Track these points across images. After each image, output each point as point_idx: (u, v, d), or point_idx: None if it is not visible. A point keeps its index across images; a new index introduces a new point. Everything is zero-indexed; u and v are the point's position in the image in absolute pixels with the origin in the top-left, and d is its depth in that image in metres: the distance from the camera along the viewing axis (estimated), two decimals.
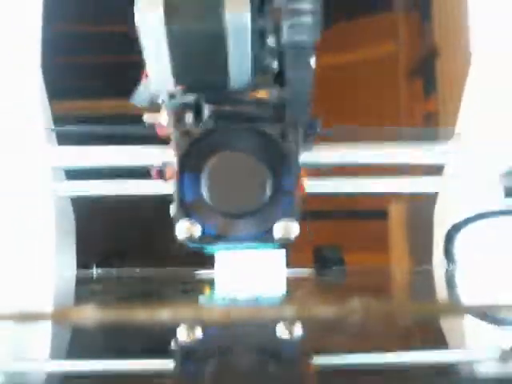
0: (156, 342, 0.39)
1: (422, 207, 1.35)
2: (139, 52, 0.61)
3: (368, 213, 1.48)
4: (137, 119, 0.70)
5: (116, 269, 0.96)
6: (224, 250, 0.73)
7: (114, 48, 1.33)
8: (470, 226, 0.79)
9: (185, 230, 0.61)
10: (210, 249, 0.72)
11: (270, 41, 0.60)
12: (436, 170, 0.90)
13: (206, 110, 0.63)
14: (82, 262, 0.94)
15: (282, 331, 0.40)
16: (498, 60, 0.90)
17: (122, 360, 0.36)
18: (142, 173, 0.75)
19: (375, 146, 0.72)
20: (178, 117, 0.63)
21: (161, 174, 0.67)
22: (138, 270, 0.91)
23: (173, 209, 0.66)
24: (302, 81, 0.60)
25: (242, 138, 0.63)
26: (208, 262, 0.80)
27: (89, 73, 1.35)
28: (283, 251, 0.77)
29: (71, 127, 0.85)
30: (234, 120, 0.63)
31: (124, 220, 1.22)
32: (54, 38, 1.12)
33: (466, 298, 0.59)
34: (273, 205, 0.62)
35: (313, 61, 0.59)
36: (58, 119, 0.87)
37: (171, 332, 0.40)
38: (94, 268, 0.93)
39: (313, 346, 0.39)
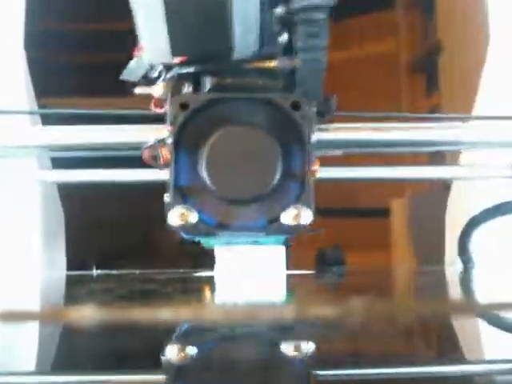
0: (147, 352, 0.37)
1: (427, 200, 1.34)
2: (129, 48, 0.57)
3: (370, 210, 1.47)
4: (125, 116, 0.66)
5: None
6: (223, 244, 0.67)
7: (103, 45, 1.33)
8: (489, 222, 0.76)
9: (179, 216, 0.52)
10: (208, 241, 0.64)
11: (280, 10, 0.53)
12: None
13: (207, 82, 0.54)
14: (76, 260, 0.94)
15: (286, 349, 0.36)
16: None
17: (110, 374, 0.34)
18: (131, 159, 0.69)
19: (392, 124, 0.63)
20: (174, 88, 0.55)
21: (154, 157, 0.57)
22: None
23: (167, 195, 0.56)
24: (317, 46, 0.53)
25: (249, 109, 0.52)
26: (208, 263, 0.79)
27: (77, 70, 1.34)
28: (283, 247, 0.76)
29: (63, 109, 0.80)
30: (238, 91, 0.54)
31: (115, 212, 1.21)
32: (40, 35, 1.11)
33: (485, 301, 0.55)
34: (283, 189, 0.52)
35: (327, 29, 0.52)
36: (45, 117, 0.86)
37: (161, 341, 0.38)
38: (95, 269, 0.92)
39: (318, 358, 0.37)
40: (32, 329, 0.43)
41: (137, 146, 0.60)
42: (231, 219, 0.53)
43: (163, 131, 0.56)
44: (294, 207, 0.52)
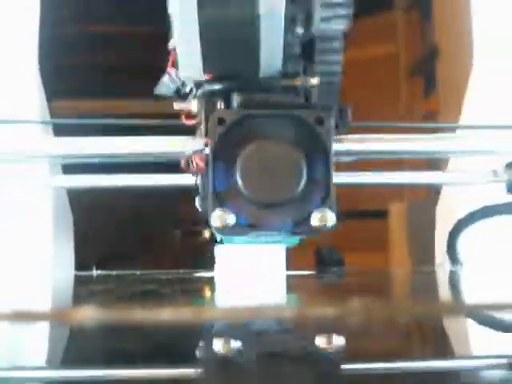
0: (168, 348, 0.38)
1: (422, 206, 1.35)
2: (138, 51, 0.59)
3: (368, 213, 1.48)
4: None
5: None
6: (247, 242, 0.72)
7: (115, 48, 1.33)
8: (475, 224, 0.78)
9: (219, 219, 0.58)
10: (232, 239, 0.69)
11: (300, 32, 0.59)
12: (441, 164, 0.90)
13: (236, 98, 0.60)
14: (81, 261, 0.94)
15: (320, 341, 0.39)
16: (501, 60, 0.89)
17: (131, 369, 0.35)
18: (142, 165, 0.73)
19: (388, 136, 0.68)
20: (209, 104, 0.61)
21: (188, 165, 0.64)
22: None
23: (199, 200, 0.64)
24: (333, 68, 0.59)
25: (277, 124, 0.59)
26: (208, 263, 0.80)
27: (89, 73, 1.35)
28: (283, 247, 0.77)
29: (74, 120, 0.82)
30: (266, 107, 0.60)
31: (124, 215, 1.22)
32: (53, 39, 1.12)
33: (472, 299, 0.57)
34: (308, 194, 0.59)
35: (342, 47, 0.58)
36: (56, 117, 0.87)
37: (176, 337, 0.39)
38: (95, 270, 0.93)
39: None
40: (36, 329, 0.44)
41: (146, 155, 0.65)
42: (263, 221, 0.59)
43: (181, 142, 0.63)
44: (320, 210, 0.58)
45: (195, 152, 0.62)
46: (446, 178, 0.79)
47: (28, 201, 0.84)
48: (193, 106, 0.63)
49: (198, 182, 0.63)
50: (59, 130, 0.84)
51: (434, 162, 1.06)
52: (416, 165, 0.91)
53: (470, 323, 0.46)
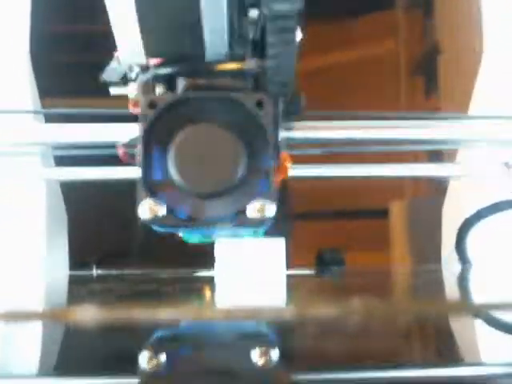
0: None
1: (424, 204, 1.34)
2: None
3: (369, 212, 1.47)
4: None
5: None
6: (200, 238, 0.69)
7: (108, 46, 1.33)
8: (484, 221, 0.77)
9: (148, 210, 0.54)
10: (185, 236, 0.67)
11: (252, 12, 0.56)
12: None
13: (180, 83, 0.57)
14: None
15: (256, 357, 0.35)
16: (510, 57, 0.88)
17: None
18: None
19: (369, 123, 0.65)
20: (146, 88, 0.58)
21: (131, 155, 0.61)
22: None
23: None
24: (286, 52, 0.55)
25: (214, 108, 0.55)
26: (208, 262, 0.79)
27: (80, 70, 1.34)
28: (283, 240, 0.76)
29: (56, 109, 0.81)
30: (207, 92, 0.56)
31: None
32: (45, 36, 1.11)
33: (483, 299, 0.56)
34: (247, 184, 0.55)
35: (297, 32, 0.54)
36: (48, 116, 0.86)
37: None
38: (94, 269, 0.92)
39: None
40: (31, 328, 0.43)
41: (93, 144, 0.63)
42: (199, 212, 0.55)
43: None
44: (259, 200, 0.55)
45: (131, 139, 0.59)
46: (455, 170, 0.78)
47: (20, 195, 0.84)
48: (129, 90, 0.60)
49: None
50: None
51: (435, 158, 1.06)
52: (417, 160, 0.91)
53: (481, 325, 0.45)
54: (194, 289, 0.68)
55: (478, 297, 0.59)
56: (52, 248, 0.88)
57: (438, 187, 1.14)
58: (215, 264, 0.77)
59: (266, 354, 0.35)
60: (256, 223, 0.55)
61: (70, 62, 1.36)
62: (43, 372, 0.35)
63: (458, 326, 0.44)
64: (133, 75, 0.60)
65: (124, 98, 0.64)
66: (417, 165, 0.76)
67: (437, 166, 0.77)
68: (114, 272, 0.94)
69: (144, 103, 0.55)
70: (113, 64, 0.61)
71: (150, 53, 0.56)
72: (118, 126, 0.63)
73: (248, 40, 0.58)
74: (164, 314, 0.39)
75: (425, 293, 0.61)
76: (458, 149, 0.84)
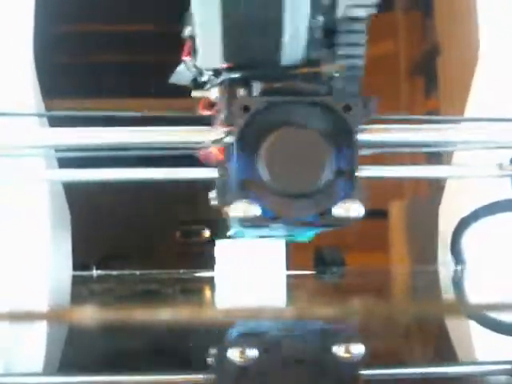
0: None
1: (423, 204, 1.34)
2: (138, 50, 0.58)
3: (368, 212, 1.47)
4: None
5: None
6: (257, 236, 0.70)
7: (111, 47, 1.33)
8: (479, 222, 0.77)
9: (242, 210, 0.55)
10: (243, 233, 0.68)
11: (323, 18, 0.57)
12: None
13: (258, 86, 0.58)
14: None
15: (338, 350, 0.37)
16: (507, 57, 0.88)
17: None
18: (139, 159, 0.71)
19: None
20: (230, 92, 0.59)
21: (207, 156, 0.62)
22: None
23: (213, 194, 0.63)
24: (357, 54, 0.57)
25: (303, 111, 0.57)
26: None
27: (84, 72, 1.34)
28: (283, 241, 0.76)
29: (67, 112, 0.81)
30: (289, 95, 0.58)
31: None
32: (49, 37, 1.11)
33: (477, 300, 0.56)
34: (334, 184, 0.56)
35: (365, 38, 0.57)
36: (51, 118, 0.86)
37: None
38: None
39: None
40: (35, 329, 0.43)
41: (143, 146, 0.63)
42: (286, 212, 0.57)
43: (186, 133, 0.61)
44: (345, 201, 0.56)
45: (215, 142, 0.60)
46: (450, 171, 0.78)
47: (24, 197, 0.84)
48: (211, 94, 0.61)
49: (217, 174, 0.61)
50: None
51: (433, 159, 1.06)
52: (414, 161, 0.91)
53: (475, 325, 0.45)
54: (195, 289, 0.69)
55: (471, 297, 0.59)
56: (56, 249, 0.88)
57: (438, 188, 1.14)
58: (215, 264, 0.77)
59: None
60: (341, 223, 0.58)
61: (73, 64, 1.37)
62: (47, 370, 0.35)
63: (452, 327, 0.44)
64: (204, 78, 0.62)
65: (123, 99, 0.64)
66: (415, 166, 0.77)
67: (434, 168, 0.77)
68: (114, 273, 0.94)
69: (237, 106, 0.57)
70: (181, 67, 0.62)
71: (229, 57, 0.58)
72: (122, 130, 0.63)
73: (320, 44, 0.59)
74: (164, 314, 0.40)
75: (419, 294, 0.62)
76: (453, 151, 0.84)
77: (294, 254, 0.82)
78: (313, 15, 0.57)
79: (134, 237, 1.28)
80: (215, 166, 0.63)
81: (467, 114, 0.90)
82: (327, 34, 0.59)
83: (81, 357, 0.37)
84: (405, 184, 1.46)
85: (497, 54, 0.89)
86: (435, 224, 0.94)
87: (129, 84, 1.26)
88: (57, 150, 0.77)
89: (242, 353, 0.36)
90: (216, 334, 0.42)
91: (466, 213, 0.79)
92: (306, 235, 0.71)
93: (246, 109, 0.57)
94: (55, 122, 0.82)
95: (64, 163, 0.82)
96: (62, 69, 1.30)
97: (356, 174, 0.57)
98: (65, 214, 0.93)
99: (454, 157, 0.86)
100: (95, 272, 0.93)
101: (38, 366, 0.37)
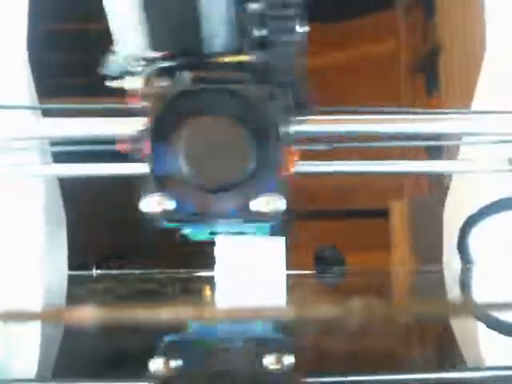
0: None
1: (424, 203, 1.34)
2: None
3: (369, 212, 1.47)
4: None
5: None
6: (206, 235, 0.69)
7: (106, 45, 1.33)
8: (486, 220, 0.76)
9: (156, 204, 0.52)
10: (192, 233, 0.67)
11: (253, 6, 0.55)
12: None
13: (182, 76, 0.56)
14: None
15: (269, 362, 0.35)
16: None
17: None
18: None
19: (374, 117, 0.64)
20: (148, 82, 0.57)
21: (137, 150, 0.58)
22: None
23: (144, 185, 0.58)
24: (287, 44, 0.55)
25: (223, 101, 0.54)
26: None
27: (78, 70, 1.34)
28: (283, 239, 0.76)
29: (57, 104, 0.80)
30: (211, 84, 0.55)
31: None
32: (44, 35, 1.11)
33: (484, 301, 0.55)
34: (256, 178, 0.53)
35: (300, 24, 0.55)
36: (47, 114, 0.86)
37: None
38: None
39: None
40: (31, 329, 0.43)
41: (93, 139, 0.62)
42: (207, 207, 0.54)
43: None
44: (267, 195, 0.53)
45: (138, 133, 0.57)
46: (458, 166, 0.77)
47: (18, 193, 0.83)
48: (126, 83, 0.59)
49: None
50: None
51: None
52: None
53: (481, 327, 0.44)
54: (195, 289, 0.68)
55: (479, 297, 0.58)
56: (50, 248, 0.88)
57: (439, 186, 1.14)
58: (215, 264, 0.77)
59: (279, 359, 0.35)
60: (264, 218, 0.54)
61: (67, 62, 1.36)
62: (41, 373, 0.35)
63: (460, 327, 0.44)
64: (132, 69, 0.60)
65: (120, 95, 0.63)
66: (420, 162, 0.76)
67: (440, 163, 0.76)
68: (113, 272, 0.94)
69: (152, 95, 0.55)
70: (111, 58, 0.60)
71: (152, 46, 0.56)
72: (116, 121, 0.62)
73: (249, 32, 0.57)
74: (164, 314, 0.39)
75: (424, 294, 0.61)
76: (460, 145, 0.84)
77: (294, 253, 0.82)
78: (240, 2, 0.55)
79: (134, 236, 1.27)
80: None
81: (474, 107, 0.89)
82: (258, 22, 0.57)
83: (77, 359, 0.37)
84: (405, 183, 1.45)
85: (504, 49, 0.88)
86: (439, 223, 0.93)
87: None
88: (51, 144, 0.76)
89: (166, 363, 0.34)
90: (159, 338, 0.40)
91: (472, 211, 0.78)
92: (261, 230, 0.69)
93: (160, 98, 0.55)
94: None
95: (59, 159, 0.82)
96: (58, 67, 1.30)
97: (279, 166, 0.54)
98: (60, 213, 0.92)
99: (460, 152, 0.85)
100: (95, 272, 0.93)
101: (33, 368, 0.36)
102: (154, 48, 0.56)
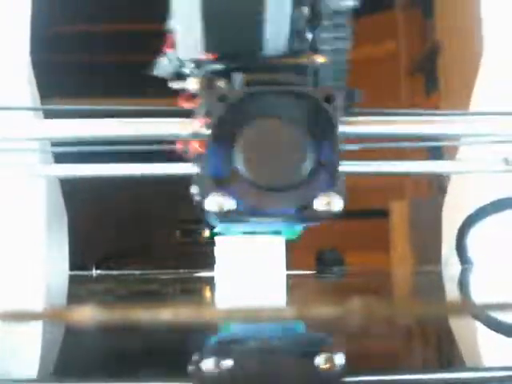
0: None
1: (425, 204, 1.34)
2: (134, 49, 0.58)
3: (369, 212, 1.47)
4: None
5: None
6: (242, 233, 0.69)
7: (107, 47, 1.33)
8: (485, 220, 0.76)
9: (216, 204, 0.53)
10: (228, 229, 0.67)
11: (307, 10, 0.57)
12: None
13: (239, 78, 0.56)
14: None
15: (320, 362, 0.35)
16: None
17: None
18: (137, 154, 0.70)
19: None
20: (209, 83, 0.57)
21: (184, 149, 0.60)
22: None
23: (196, 188, 0.60)
24: (341, 47, 0.57)
25: (282, 102, 0.55)
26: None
27: (81, 71, 1.34)
28: (283, 238, 0.76)
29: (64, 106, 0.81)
30: (270, 86, 0.56)
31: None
32: (46, 37, 1.11)
33: (483, 301, 0.55)
34: (314, 177, 0.54)
35: (350, 27, 0.57)
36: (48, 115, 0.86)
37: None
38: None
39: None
40: (32, 329, 0.43)
41: (142, 140, 0.62)
42: (264, 206, 0.55)
43: (174, 125, 0.59)
44: (326, 194, 0.54)
45: (194, 134, 0.58)
46: (455, 166, 0.77)
47: (19, 194, 0.83)
48: (190, 84, 0.59)
49: (197, 168, 0.59)
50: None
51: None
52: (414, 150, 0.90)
53: (481, 327, 0.44)
54: (195, 289, 0.68)
55: (478, 297, 0.58)
56: (51, 248, 0.88)
57: (439, 187, 1.14)
58: (215, 264, 0.77)
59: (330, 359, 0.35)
60: (322, 217, 0.55)
61: (70, 63, 1.37)
62: (42, 373, 0.35)
63: (459, 327, 0.44)
64: (186, 70, 0.60)
65: (120, 96, 0.63)
66: (420, 162, 0.76)
67: (438, 163, 0.76)
68: (114, 272, 0.94)
69: (213, 97, 0.55)
70: (162, 60, 0.61)
71: (209, 48, 0.57)
72: (118, 122, 0.63)
73: (305, 36, 0.58)
74: (164, 314, 0.39)
75: (423, 294, 0.61)
76: (458, 146, 0.84)
77: (294, 253, 0.82)
78: (296, 6, 0.56)
79: (134, 236, 1.27)
80: (194, 161, 0.61)
81: (472, 108, 0.89)
82: (312, 26, 0.58)
83: (77, 359, 0.37)
84: (405, 183, 1.45)
85: (501, 50, 0.88)
86: (438, 223, 0.93)
87: (127, 83, 1.26)
88: (52, 145, 0.76)
89: (217, 363, 0.35)
90: (201, 338, 0.40)
91: (471, 211, 0.78)
92: (292, 231, 0.69)
93: (222, 99, 0.55)
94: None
95: (59, 160, 0.82)
96: (60, 68, 1.30)
97: (337, 167, 0.55)
98: (61, 213, 0.92)
99: (458, 152, 0.86)
100: (95, 272, 0.93)
101: (33, 368, 0.36)
102: (209, 50, 0.57)
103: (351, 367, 0.34)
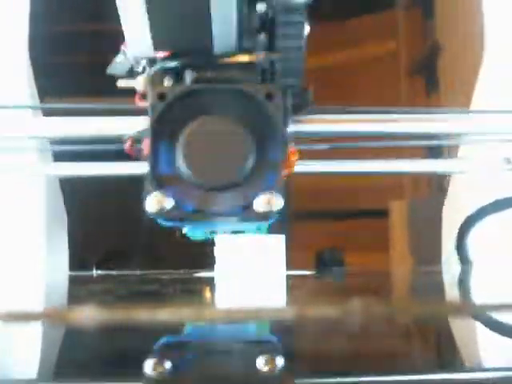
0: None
1: (424, 204, 1.34)
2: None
3: (369, 212, 1.47)
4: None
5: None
6: (202, 234, 0.69)
7: (105, 46, 1.33)
8: (486, 220, 0.76)
9: (155, 203, 0.53)
10: (191, 231, 0.67)
11: (260, 6, 0.56)
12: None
13: (188, 76, 0.56)
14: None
15: (261, 364, 0.35)
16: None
17: None
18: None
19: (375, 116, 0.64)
20: (154, 81, 0.57)
21: (138, 149, 0.59)
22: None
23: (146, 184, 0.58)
24: (294, 46, 0.56)
25: (223, 100, 0.55)
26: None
27: (80, 71, 1.34)
28: (283, 237, 0.76)
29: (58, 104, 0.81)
30: (216, 84, 0.56)
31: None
32: (45, 35, 1.11)
33: (483, 301, 0.55)
34: (255, 177, 0.54)
35: (305, 25, 0.55)
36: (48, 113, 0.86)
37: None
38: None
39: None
40: (32, 329, 0.43)
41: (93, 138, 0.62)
42: (206, 205, 0.54)
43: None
44: (266, 194, 0.54)
45: (138, 132, 0.58)
46: (455, 165, 0.77)
47: (19, 193, 0.83)
48: (137, 83, 0.59)
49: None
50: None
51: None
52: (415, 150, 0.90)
53: (480, 328, 0.44)
54: (195, 289, 0.68)
55: (477, 297, 0.58)
56: (51, 248, 0.88)
57: (439, 187, 1.14)
58: (215, 264, 0.77)
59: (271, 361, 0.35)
60: (263, 217, 0.54)
61: (69, 63, 1.36)
62: (42, 373, 0.35)
63: (459, 327, 0.44)
64: (139, 68, 0.60)
65: (121, 95, 0.63)
66: (420, 161, 0.75)
67: (439, 162, 0.76)
68: (114, 273, 0.94)
69: (153, 95, 0.55)
70: (119, 58, 0.61)
71: (158, 46, 0.56)
72: (117, 120, 0.63)
73: (256, 33, 0.58)
74: (164, 314, 0.39)
75: (423, 294, 0.61)
76: (459, 145, 0.84)
77: (294, 253, 0.82)
78: (248, 3, 0.56)
79: (134, 236, 1.27)
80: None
81: (473, 106, 0.89)
82: (266, 23, 0.57)
83: (77, 359, 0.37)
84: (405, 183, 1.45)
85: (503, 50, 0.88)
86: (438, 223, 0.93)
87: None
88: (51, 144, 0.76)
89: (159, 364, 0.35)
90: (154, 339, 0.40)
91: (471, 211, 0.78)
92: (258, 229, 0.69)
93: (161, 97, 0.55)
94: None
95: (60, 159, 0.82)
96: (59, 68, 1.30)
97: (280, 166, 0.55)
98: (61, 213, 0.92)
99: (459, 151, 0.85)
100: (95, 272, 0.93)
101: (33, 368, 0.36)
102: (160, 48, 0.57)
103: (351, 367, 0.35)
